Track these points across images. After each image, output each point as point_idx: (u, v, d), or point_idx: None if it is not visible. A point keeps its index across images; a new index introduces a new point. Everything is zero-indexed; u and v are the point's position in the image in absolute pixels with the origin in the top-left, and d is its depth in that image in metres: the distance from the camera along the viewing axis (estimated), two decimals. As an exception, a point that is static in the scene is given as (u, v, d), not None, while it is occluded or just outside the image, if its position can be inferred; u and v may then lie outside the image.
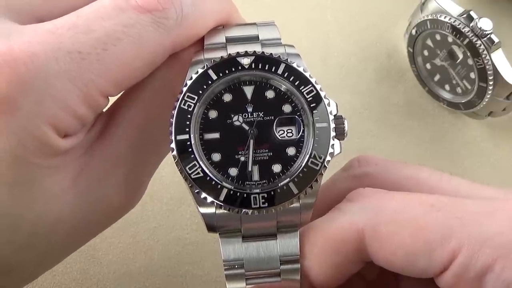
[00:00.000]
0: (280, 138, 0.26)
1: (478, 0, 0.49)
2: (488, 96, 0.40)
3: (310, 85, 0.27)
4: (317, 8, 0.49)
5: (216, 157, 0.26)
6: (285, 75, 0.27)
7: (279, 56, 0.27)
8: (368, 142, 0.43)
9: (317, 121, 0.26)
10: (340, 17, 0.49)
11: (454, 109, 0.44)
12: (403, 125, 0.44)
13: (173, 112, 0.26)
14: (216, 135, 0.26)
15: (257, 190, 0.25)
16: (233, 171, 0.26)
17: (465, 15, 0.39)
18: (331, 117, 0.26)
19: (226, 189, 0.25)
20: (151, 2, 0.26)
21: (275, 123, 0.26)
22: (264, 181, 0.26)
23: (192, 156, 0.25)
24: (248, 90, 0.27)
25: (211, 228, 0.26)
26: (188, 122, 0.26)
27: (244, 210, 0.25)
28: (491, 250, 0.23)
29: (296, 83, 0.27)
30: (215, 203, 0.25)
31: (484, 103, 0.41)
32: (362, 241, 0.25)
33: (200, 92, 0.26)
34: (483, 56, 0.39)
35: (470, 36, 0.39)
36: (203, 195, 0.25)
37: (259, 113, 0.26)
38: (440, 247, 0.23)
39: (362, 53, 0.47)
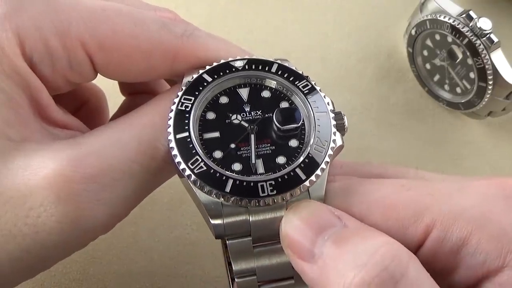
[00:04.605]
0: (281, 131, 0.26)
1: (478, 0, 0.49)
2: (488, 95, 0.40)
3: (305, 80, 0.27)
4: (317, 8, 0.49)
5: (218, 154, 0.25)
6: (279, 73, 0.27)
7: (271, 59, 0.27)
8: (368, 141, 0.43)
9: (316, 110, 0.26)
10: (339, 17, 0.49)
11: (453, 109, 0.44)
12: (402, 125, 0.44)
13: (170, 114, 0.26)
14: (216, 134, 0.26)
15: (263, 178, 0.24)
16: (237, 166, 0.25)
17: (464, 15, 0.39)
18: (330, 107, 0.26)
19: (232, 180, 0.24)
20: (166, 12, 0.28)
21: (274, 117, 0.26)
22: (270, 172, 0.25)
23: (194, 151, 0.25)
24: (244, 92, 0.27)
25: (219, 236, 0.25)
26: (186, 121, 0.25)
27: (253, 200, 0.24)
28: (466, 223, 0.23)
29: (290, 79, 0.27)
30: (221, 195, 0.24)
31: (483, 103, 0.41)
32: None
33: (196, 93, 0.26)
34: (483, 55, 0.39)
35: (469, 35, 0.39)
36: (207, 188, 0.24)
37: (257, 111, 0.26)
38: (413, 224, 0.23)
39: (361, 53, 0.47)
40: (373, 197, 0.25)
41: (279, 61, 0.28)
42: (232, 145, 0.26)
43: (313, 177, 0.24)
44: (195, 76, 0.27)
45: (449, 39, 0.41)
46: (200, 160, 0.24)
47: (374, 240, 0.22)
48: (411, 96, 0.45)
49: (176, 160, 0.25)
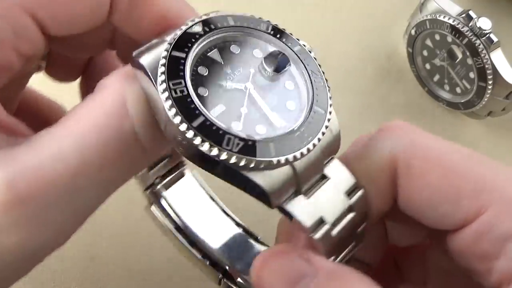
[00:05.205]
0: (275, 76, 0.24)
1: (477, 0, 0.49)
2: (488, 95, 0.40)
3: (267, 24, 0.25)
4: (317, 9, 0.49)
5: (237, 126, 0.22)
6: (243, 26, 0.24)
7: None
8: (368, 142, 0.43)
9: (290, 46, 0.25)
10: (339, 18, 0.49)
11: (453, 109, 0.44)
12: (402, 125, 0.44)
13: (166, 105, 0.21)
14: (222, 108, 0.22)
15: (292, 128, 0.22)
16: (260, 128, 0.22)
17: (464, 15, 0.39)
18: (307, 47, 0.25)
19: (271, 143, 0.21)
20: None
21: (264, 64, 0.23)
22: (291, 121, 0.22)
23: (221, 132, 0.21)
24: (215, 55, 0.23)
25: (277, 205, 0.22)
26: (193, 106, 0.21)
27: (299, 151, 0.21)
28: None
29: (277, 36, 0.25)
30: (271, 162, 0.21)
31: (483, 102, 0.41)
32: (394, 174, 0.23)
33: (181, 74, 0.22)
34: (482, 55, 0.39)
35: (469, 35, 0.39)
36: (255, 163, 0.20)
37: (239, 69, 0.23)
38: (469, 198, 0.22)
39: (361, 53, 0.47)
40: (437, 156, 0.23)
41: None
42: (244, 110, 0.22)
43: (330, 109, 0.23)
44: (165, 53, 0.22)
45: (449, 39, 0.41)
46: (233, 139, 0.21)
47: None
48: (411, 96, 0.45)
49: (215, 154, 0.21)
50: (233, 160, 0.20)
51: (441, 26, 0.40)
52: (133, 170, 0.23)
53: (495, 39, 0.38)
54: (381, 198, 0.24)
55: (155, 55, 0.22)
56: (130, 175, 0.23)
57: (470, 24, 0.39)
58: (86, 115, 0.22)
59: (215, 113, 0.22)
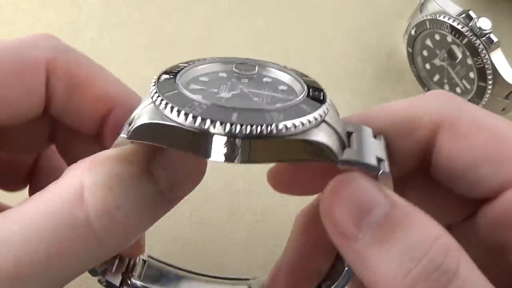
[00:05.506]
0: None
1: (477, 0, 0.49)
2: (488, 95, 0.40)
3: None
4: (317, 9, 0.49)
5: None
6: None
7: None
8: (368, 142, 0.43)
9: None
10: (339, 18, 0.49)
11: (453, 109, 0.44)
12: (402, 125, 0.44)
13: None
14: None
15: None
16: None
17: (464, 15, 0.39)
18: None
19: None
20: None
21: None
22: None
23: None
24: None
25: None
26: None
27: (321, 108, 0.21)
28: None
29: None
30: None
31: (483, 102, 0.41)
32: (435, 131, 0.23)
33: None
34: (482, 55, 0.39)
35: (469, 35, 0.39)
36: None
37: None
38: (503, 168, 0.22)
39: (361, 53, 0.47)
40: (484, 120, 0.23)
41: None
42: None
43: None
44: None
45: (449, 39, 0.41)
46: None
47: (426, 230, 0.20)
48: (411, 96, 0.45)
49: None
50: (289, 124, 0.19)
51: (441, 26, 0.40)
52: (87, 262, 0.21)
53: (495, 39, 0.38)
54: (410, 154, 0.23)
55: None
56: (84, 267, 0.21)
57: (470, 24, 0.39)
58: (40, 200, 0.20)
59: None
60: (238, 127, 0.19)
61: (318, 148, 0.20)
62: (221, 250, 0.37)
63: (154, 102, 0.20)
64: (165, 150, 0.21)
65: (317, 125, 0.20)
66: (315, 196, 0.27)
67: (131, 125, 0.21)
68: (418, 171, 0.23)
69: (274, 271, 0.27)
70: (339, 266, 0.25)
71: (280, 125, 0.19)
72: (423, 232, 0.20)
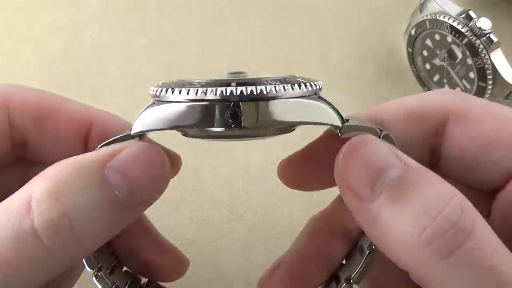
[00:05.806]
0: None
1: (477, 0, 0.49)
2: (488, 95, 0.40)
3: None
4: (316, 9, 0.49)
5: None
6: None
7: None
8: (368, 142, 0.43)
9: None
10: (339, 18, 0.49)
11: (453, 109, 0.44)
12: (402, 125, 0.44)
13: None
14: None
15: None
16: None
17: (464, 15, 0.39)
18: None
19: None
20: None
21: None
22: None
23: None
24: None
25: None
26: None
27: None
28: None
29: None
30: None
31: (483, 102, 0.41)
32: (445, 121, 0.23)
33: None
34: (482, 55, 0.39)
35: (469, 35, 0.39)
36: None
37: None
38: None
39: (361, 53, 0.47)
40: (492, 109, 0.23)
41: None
42: None
43: None
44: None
45: (449, 39, 0.41)
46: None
47: (441, 189, 0.20)
48: (411, 96, 0.45)
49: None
50: (287, 87, 0.20)
51: (441, 26, 0.40)
52: (40, 272, 0.21)
53: (495, 39, 0.38)
54: (421, 145, 0.24)
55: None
56: (39, 277, 0.21)
57: (470, 24, 0.39)
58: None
59: None
60: (239, 90, 0.19)
61: (319, 111, 0.21)
62: (221, 250, 0.37)
63: (154, 94, 0.21)
64: (123, 155, 0.21)
65: (315, 94, 0.22)
66: (328, 200, 0.27)
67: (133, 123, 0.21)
68: (429, 167, 0.24)
69: (273, 266, 0.27)
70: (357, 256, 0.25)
71: (278, 87, 0.20)
72: (438, 192, 0.20)
